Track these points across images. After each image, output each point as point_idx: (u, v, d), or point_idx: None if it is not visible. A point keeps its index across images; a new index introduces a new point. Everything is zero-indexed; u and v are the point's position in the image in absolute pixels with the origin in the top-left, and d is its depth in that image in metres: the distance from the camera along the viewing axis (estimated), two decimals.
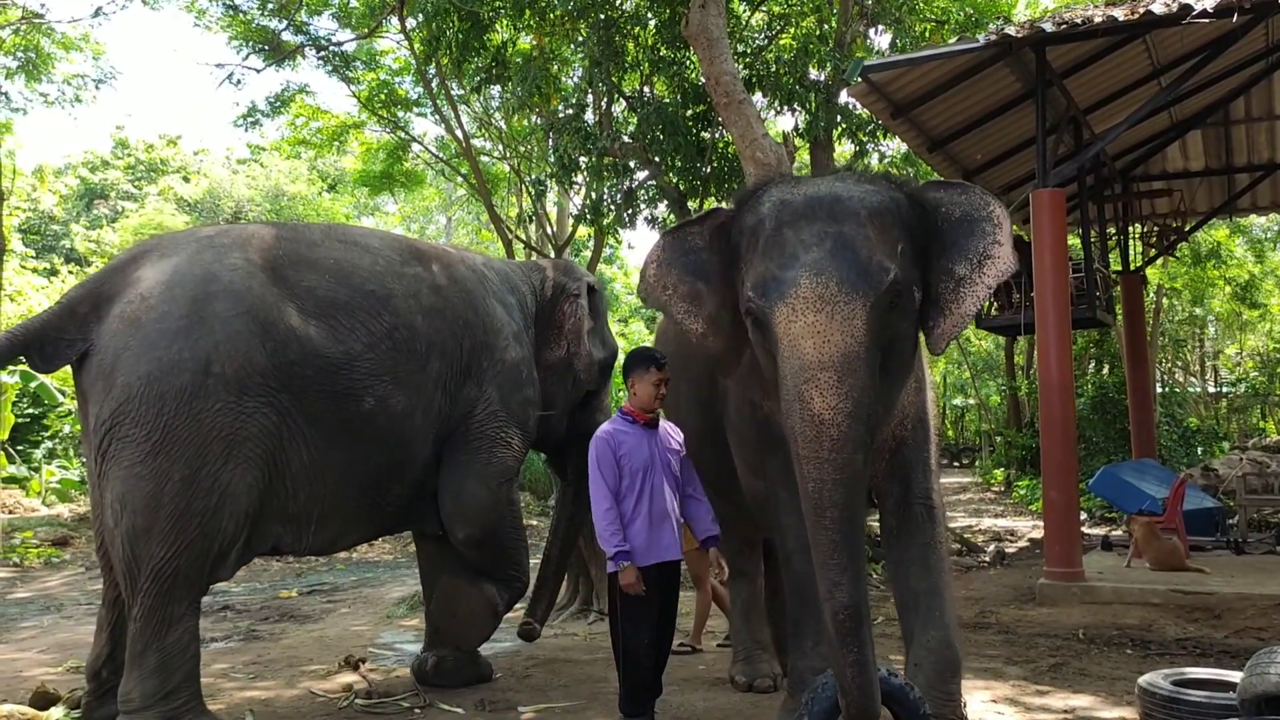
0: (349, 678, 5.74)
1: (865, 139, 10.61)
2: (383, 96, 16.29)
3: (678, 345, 5.00)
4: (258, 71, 15.11)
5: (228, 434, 4.23)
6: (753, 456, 4.27)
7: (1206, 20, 7.29)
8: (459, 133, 15.40)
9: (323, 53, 15.48)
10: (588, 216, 11.74)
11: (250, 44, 14.79)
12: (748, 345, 3.69)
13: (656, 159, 10.58)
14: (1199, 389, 22.79)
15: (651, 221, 12.27)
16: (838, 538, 3.20)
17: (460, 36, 10.99)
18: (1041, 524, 12.60)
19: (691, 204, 11.08)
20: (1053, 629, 6.74)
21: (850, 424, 3.18)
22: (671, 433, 4.48)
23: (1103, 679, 5.41)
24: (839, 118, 10.50)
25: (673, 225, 4.11)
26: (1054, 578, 7.79)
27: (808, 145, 10.27)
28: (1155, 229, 13.83)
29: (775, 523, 4.13)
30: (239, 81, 15.27)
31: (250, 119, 16.40)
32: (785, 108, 10.92)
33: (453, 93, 15.00)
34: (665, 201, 11.54)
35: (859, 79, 8.28)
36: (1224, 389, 22.53)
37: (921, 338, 3.74)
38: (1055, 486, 7.95)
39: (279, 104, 16.34)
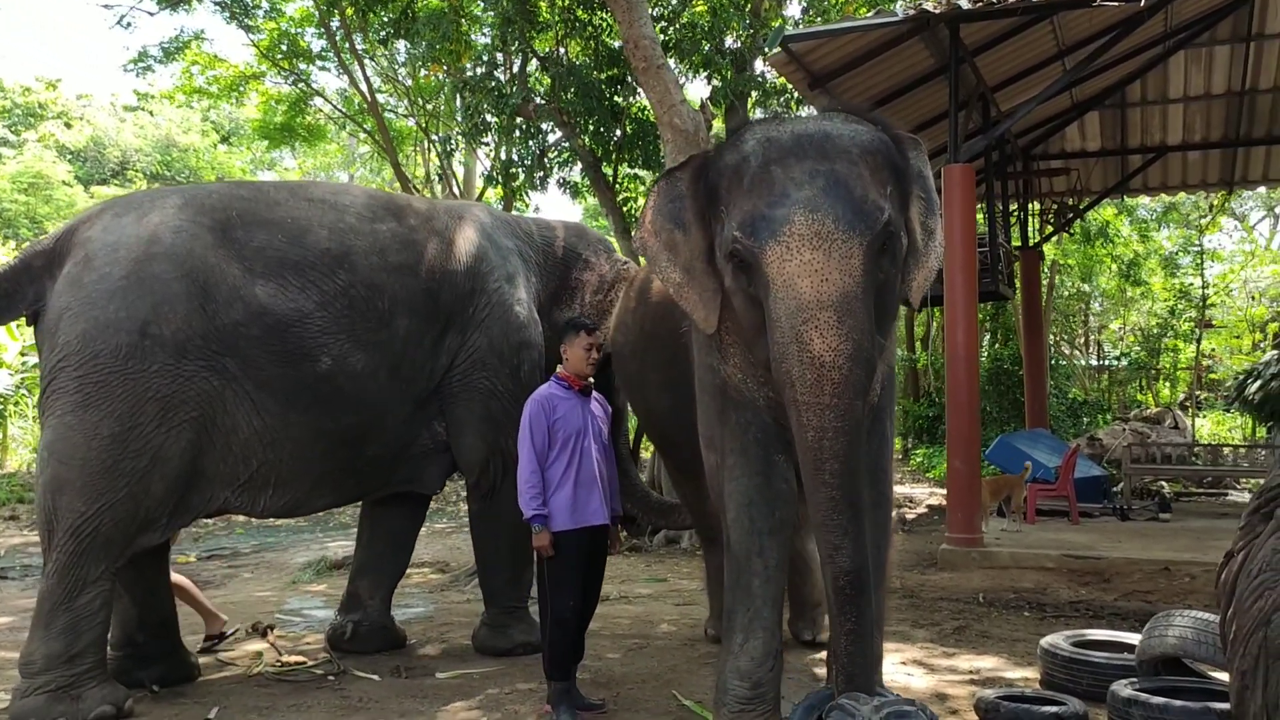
0: (257, 645, 5.59)
1: (779, 108, 10.65)
2: (283, 47, 15.72)
3: (639, 327, 4.88)
4: (151, 15, 14.43)
5: (164, 396, 4.19)
6: (708, 427, 3.97)
7: (1114, 4, 7.49)
8: (363, 87, 14.97)
9: None
10: (497, 178, 11.55)
11: None
12: (721, 298, 3.52)
13: (570, 121, 10.45)
14: (1084, 362, 23.66)
15: (564, 185, 12.17)
16: (838, 494, 3.04)
17: None
18: (938, 491, 13.03)
19: (606, 169, 11.00)
20: (954, 593, 6.97)
21: (852, 367, 3.03)
22: (602, 402, 4.47)
23: (1004, 640, 5.61)
24: (750, 86, 10.52)
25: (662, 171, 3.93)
26: (955, 543, 8.01)
27: (722, 112, 10.27)
28: (1053, 206, 14.29)
29: (721, 494, 3.83)
30: (129, 25, 14.56)
31: (141, 64, 15.70)
32: (699, 74, 10.90)
33: (357, 46, 14.55)
34: (579, 165, 11.43)
35: (779, 48, 8.28)
36: (1107, 362, 23.44)
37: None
38: (958, 455, 8.13)
39: (173, 50, 15.64)
